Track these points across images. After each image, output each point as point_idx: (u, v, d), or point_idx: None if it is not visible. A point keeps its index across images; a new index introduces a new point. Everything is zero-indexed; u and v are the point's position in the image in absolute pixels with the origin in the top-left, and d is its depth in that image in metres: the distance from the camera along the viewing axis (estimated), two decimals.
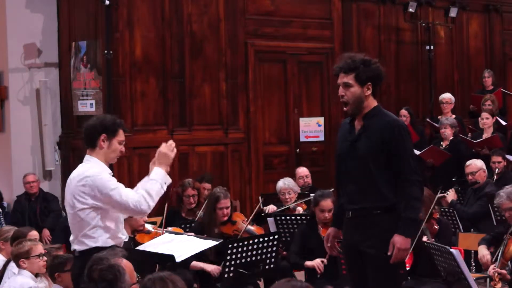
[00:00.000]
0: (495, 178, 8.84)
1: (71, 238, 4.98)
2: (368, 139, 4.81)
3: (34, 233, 6.36)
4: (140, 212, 4.88)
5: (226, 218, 6.93)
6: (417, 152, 10.06)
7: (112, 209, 4.84)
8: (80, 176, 4.85)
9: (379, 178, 4.77)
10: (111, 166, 5.18)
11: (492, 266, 5.78)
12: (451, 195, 8.56)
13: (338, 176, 5.08)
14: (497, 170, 8.92)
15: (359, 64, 4.81)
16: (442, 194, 8.52)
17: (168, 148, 5.00)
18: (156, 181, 4.88)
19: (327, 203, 6.65)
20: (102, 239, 4.84)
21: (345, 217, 4.96)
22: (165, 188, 4.93)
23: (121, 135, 4.97)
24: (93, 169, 4.86)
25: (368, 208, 4.81)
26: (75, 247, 4.92)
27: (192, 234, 6.23)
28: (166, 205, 7.78)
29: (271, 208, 8.23)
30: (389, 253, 4.73)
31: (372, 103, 4.88)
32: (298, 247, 6.80)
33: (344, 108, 4.90)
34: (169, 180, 4.96)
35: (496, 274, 5.65)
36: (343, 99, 4.86)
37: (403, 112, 10.96)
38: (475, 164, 8.58)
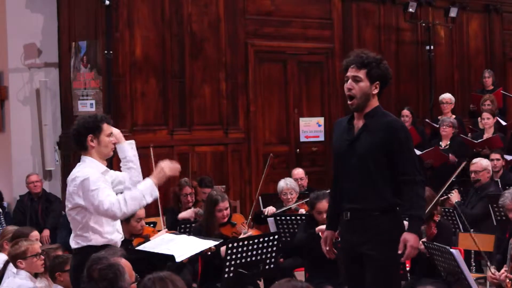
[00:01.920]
0: (493, 177, 8.83)
1: (70, 236, 5.07)
2: (369, 138, 4.78)
3: (35, 234, 6.35)
4: (111, 215, 4.90)
5: (225, 220, 6.93)
6: (418, 152, 10.09)
7: (92, 210, 4.89)
8: (71, 176, 4.98)
9: (379, 178, 4.75)
10: (111, 166, 5.21)
11: (502, 271, 5.76)
12: (455, 196, 8.52)
13: (335, 176, 5.05)
14: (495, 168, 8.92)
15: (372, 61, 4.80)
16: (445, 196, 8.51)
17: (168, 167, 5.06)
18: (140, 191, 4.94)
19: (323, 204, 6.65)
20: (93, 238, 4.94)
21: (343, 219, 4.92)
22: (148, 200, 4.96)
23: (106, 129, 5.05)
24: (84, 169, 4.95)
25: (367, 209, 4.78)
26: (71, 245, 5.03)
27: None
28: (160, 208, 7.78)
29: (270, 210, 8.22)
30: (399, 252, 4.72)
31: (375, 103, 4.86)
32: (304, 231, 6.86)
33: (349, 102, 4.85)
34: (156, 193, 4.99)
35: (508, 279, 5.61)
36: (350, 93, 4.82)
37: (405, 112, 10.94)
38: (481, 164, 8.57)
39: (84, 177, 4.88)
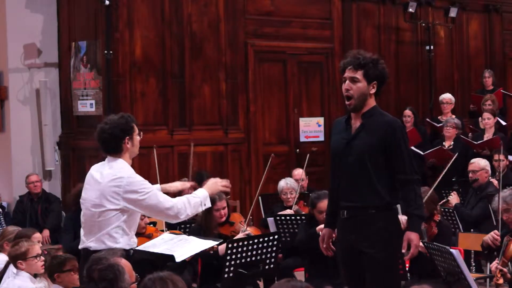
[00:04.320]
0: (496, 177, 8.81)
1: (85, 235, 5.00)
2: (366, 137, 4.84)
3: (37, 236, 6.32)
4: (176, 215, 4.97)
5: (223, 219, 6.93)
6: (420, 152, 10.10)
7: (144, 211, 4.94)
8: (113, 176, 4.88)
9: (376, 177, 4.79)
10: None
11: (494, 263, 5.82)
12: (454, 198, 8.50)
13: (333, 175, 5.07)
14: (498, 168, 8.90)
15: (369, 61, 4.85)
16: (445, 200, 8.50)
17: (219, 182, 5.27)
18: (198, 197, 5.05)
19: (324, 203, 6.63)
20: (122, 240, 4.89)
21: (340, 217, 4.96)
22: (203, 207, 5.11)
23: (136, 128, 5.07)
24: (125, 170, 4.91)
25: (363, 207, 4.82)
26: (91, 244, 4.92)
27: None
28: None
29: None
30: (404, 250, 4.79)
31: (372, 102, 4.92)
32: (304, 232, 6.85)
33: (347, 102, 4.92)
34: (208, 203, 5.14)
35: (498, 271, 5.70)
36: (347, 93, 4.88)
37: (407, 112, 10.93)
38: (478, 163, 8.55)
39: (133, 178, 4.87)
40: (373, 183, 4.79)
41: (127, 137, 4.96)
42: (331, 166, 5.10)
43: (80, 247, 5.08)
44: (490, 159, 9.17)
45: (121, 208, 4.86)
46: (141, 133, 5.15)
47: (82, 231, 5.08)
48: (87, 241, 4.97)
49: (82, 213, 5.09)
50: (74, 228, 7.48)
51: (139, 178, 4.92)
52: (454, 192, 8.65)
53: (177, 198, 5.02)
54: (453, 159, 8.12)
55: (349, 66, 4.87)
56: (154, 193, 4.89)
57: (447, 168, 7.73)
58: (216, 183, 5.24)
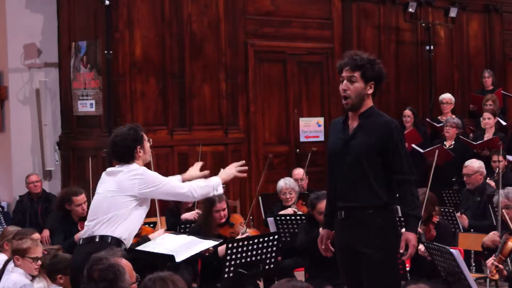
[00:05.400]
0: (495, 177, 8.80)
1: (87, 220, 5.22)
2: (364, 137, 4.85)
3: (36, 236, 6.31)
4: (189, 196, 5.40)
5: (223, 221, 6.92)
6: (421, 150, 10.10)
7: (160, 197, 5.45)
8: (130, 170, 5.19)
9: (373, 177, 4.81)
10: None
11: (491, 259, 5.86)
12: (464, 220, 8.04)
13: (330, 175, 5.08)
14: (497, 169, 8.88)
15: (366, 62, 4.87)
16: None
17: (234, 166, 5.63)
18: (211, 183, 5.44)
19: (324, 204, 6.64)
20: (120, 228, 5.10)
21: (337, 217, 4.96)
22: (214, 193, 5.50)
23: (145, 136, 5.35)
24: (139, 167, 5.24)
25: (361, 207, 4.83)
26: (99, 231, 5.12)
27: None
28: (157, 208, 7.76)
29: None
30: (402, 251, 4.81)
31: (369, 103, 4.93)
32: (304, 232, 6.85)
33: (344, 102, 4.93)
34: (221, 190, 5.48)
35: (494, 267, 5.75)
36: (345, 93, 4.89)
37: (407, 112, 10.93)
38: (472, 167, 8.48)
39: (148, 173, 5.23)
40: (370, 183, 4.81)
41: (139, 146, 5.24)
42: (328, 166, 5.10)
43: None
44: (488, 160, 9.15)
45: (135, 196, 5.13)
46: (150, 139, 5.48)
47: (86, 222, 5.29)
48: (86, 225, 5.17)
49: (92, 203, 5.33)
50: (64, 231, 7.40)
51: (153, 172, 5.33)
52: (458, 215, 8.26)
53: (190, 182, 5.41)
54: (436, 156, 8.05)
55: (346, 67, 4.89)
56: (167, 183, 5.27)
57: (433, 166, 7.68)
58: (231, 169, 5.60)
